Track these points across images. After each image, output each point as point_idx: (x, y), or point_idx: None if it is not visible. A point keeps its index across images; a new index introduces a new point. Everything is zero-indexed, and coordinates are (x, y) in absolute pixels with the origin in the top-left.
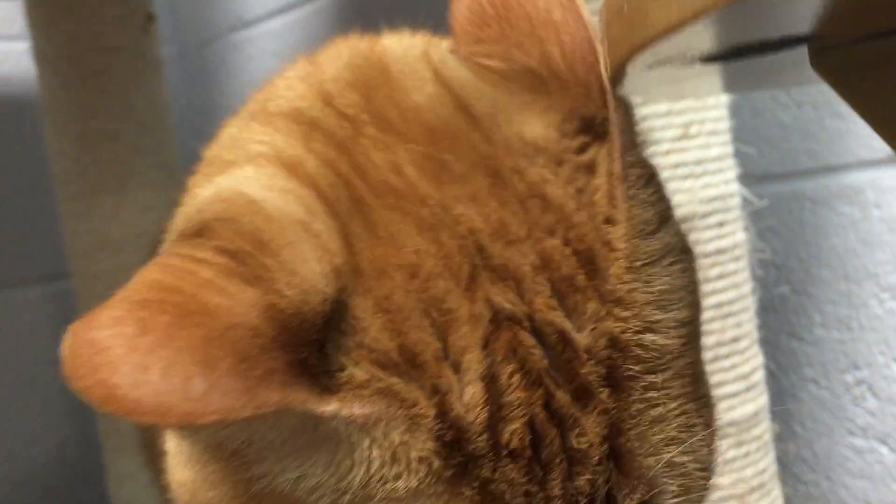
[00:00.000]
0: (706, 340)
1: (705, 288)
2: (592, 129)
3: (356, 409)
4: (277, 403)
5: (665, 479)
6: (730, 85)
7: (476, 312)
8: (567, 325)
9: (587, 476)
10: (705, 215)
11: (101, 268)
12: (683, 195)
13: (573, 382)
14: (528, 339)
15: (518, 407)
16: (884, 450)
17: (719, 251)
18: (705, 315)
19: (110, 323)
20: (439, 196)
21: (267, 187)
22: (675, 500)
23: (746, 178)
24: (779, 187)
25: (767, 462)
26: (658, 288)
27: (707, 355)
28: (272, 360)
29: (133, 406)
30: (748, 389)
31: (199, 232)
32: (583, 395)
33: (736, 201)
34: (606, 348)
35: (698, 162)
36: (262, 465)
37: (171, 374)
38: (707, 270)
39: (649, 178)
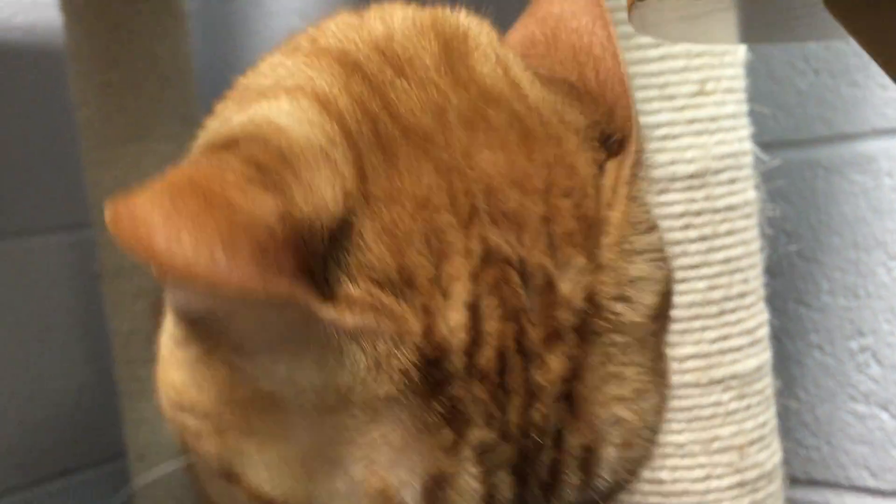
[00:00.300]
0: (713, 295)
1: (714, 243)
2: (607, 144)
3: (349, 319)
4: (287, 294)
5: (610, 430)
6: (745, 33)
7: (470, 247)
8: (555, 272)
9: (542, 410)
10: (717, 171)
11: None
12: (697, 151)
13: (546, 324)
14: (515, 278)
15: (493, 336)
16: (885, 416)
17: (729, 208)
18: (714, 270)
19: (148, 200)
20: (467, 142)
21: (297, 119)
22: (616, 453)
23: (760, 145)
24: (792, 154)
25: (768, 416)
26: (637, 274)
27: (713, 309)
28: (284, 259)
29: (168, 265)
30: (752, 344)
31: (227, 145)
32: (552, 336)
33: (748, 160)
34: (583, 301)
35: (713, 119)
36: (255, 365)
37: (200, 247)
38: (717, 226)
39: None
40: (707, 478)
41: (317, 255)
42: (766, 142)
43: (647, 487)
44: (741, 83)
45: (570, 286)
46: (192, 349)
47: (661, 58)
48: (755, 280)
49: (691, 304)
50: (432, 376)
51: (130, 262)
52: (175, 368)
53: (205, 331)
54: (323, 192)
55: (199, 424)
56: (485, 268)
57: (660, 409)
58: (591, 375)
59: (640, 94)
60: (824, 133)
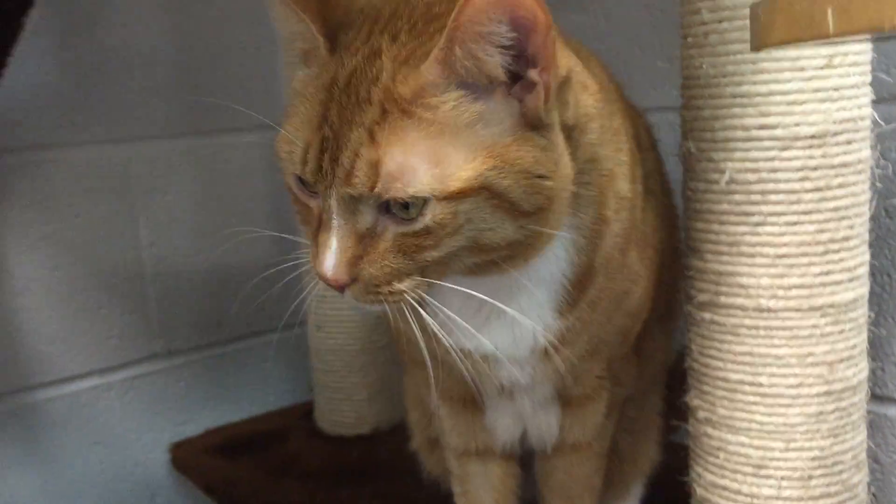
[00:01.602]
0: (821, 237)
1: (826, 194)
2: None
3: (322, 48)
4: (303, 11)
5: (389, 161)
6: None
7: (366, 49)
8: (388, 64)
9: (356, 131)
10: (836, 133)
11: None
12: (819, 115)
13: (367, 95)
14: (365, 70)
15: (351, 87)
16: None
17: (843, 165)
18: (824, 216)
19: None
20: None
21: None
22: (393, 174)
23: (881, 99)
24: None
25: (858, 340)
26: (442, 109)
27: (819, 249)
28: (315, 7)
29: None
30: (851, 280)
31: None
32: (366, 102)
33: (866, 123)
34: (378, 102)
35: (836, 88)
36: (299, 71)
37: None
38: (830, 180)
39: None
40: (799, 385)
41: (330, 25)
42: (886, 97)
43: (748, 388)
44: (867, 57)
45: (376, 91)
46: None
47: None
48: (860, 226)
49: (801, 244)
50: (324, 94)
51: None
52: None
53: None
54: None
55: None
56: (367, 57)
57: (431, 172)
58: (387, 130)
59: (773, 65)
60: None
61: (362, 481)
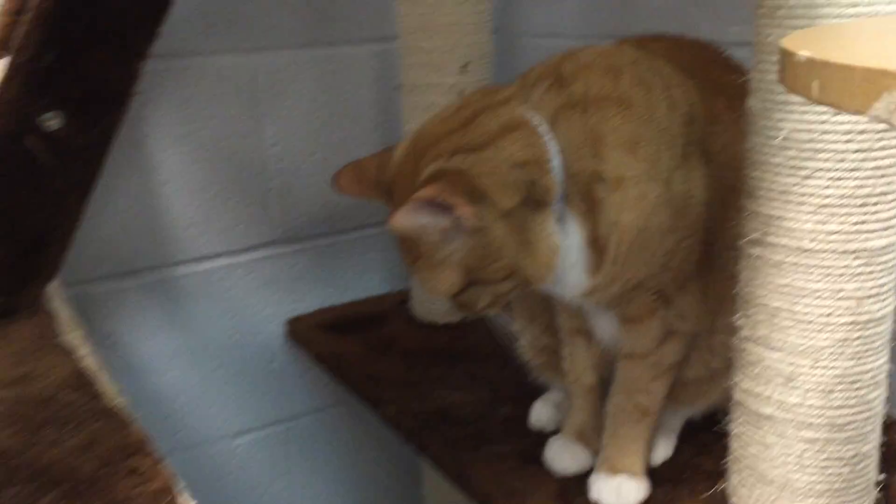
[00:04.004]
0: (860, 192)
1: (869, 155)
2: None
3: None
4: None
5: None
6: None
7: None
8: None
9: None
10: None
11: (422, 46)
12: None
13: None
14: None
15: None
16: None
17: (887, 128)
18: (865, 174)
19: None
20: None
21: None
22: None
23: None
24: None
25: (886, 280)
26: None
27: (857, 201)
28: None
29: None
30: (885, 229)
31: None
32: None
33: None
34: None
35: None
36: None
37: None
38: (874, 143)
39: None
40: (829, 315)
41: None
42: None
43: (784, 314)
44: None
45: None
46: None
47: None
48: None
49: (842, 196)
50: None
51: (426, 82)
52: None
53: None
54: None
55: None
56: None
57: (442, 286)
58: (419, 267)
59: None
60: None
61: (452, 362)
